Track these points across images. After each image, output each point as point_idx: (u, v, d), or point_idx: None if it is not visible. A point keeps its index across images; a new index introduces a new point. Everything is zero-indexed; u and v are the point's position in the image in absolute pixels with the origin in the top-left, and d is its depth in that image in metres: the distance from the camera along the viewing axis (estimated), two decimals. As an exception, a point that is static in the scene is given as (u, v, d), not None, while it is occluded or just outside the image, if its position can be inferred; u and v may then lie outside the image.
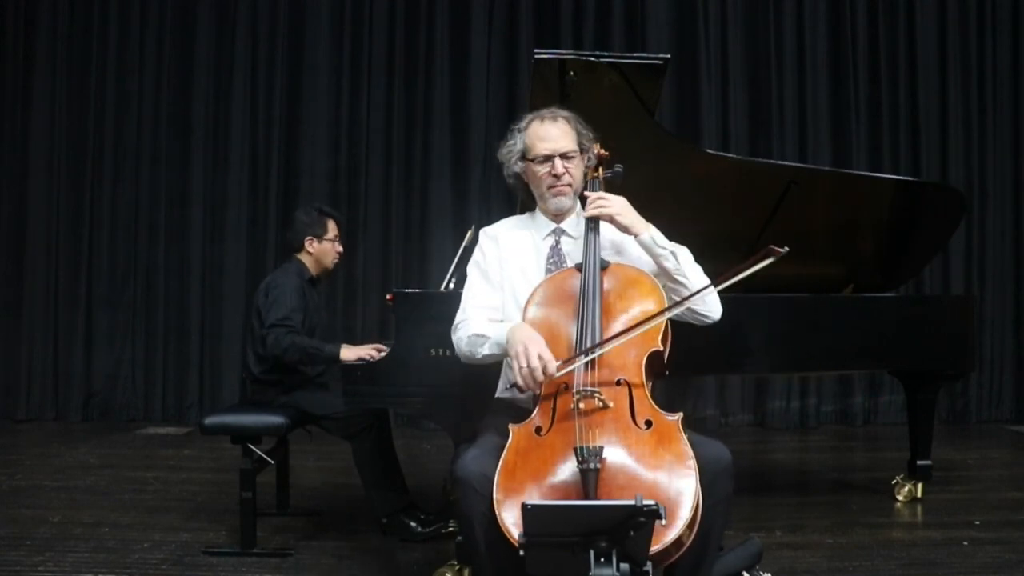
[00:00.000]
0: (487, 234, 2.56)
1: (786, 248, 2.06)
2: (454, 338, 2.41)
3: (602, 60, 3.20)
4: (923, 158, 6.39)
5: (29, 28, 6.42)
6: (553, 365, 2.08)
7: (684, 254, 2.33)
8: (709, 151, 4.15)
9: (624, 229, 2.32)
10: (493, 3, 6.35)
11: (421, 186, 6.36)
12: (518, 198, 3.18)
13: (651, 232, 2.31)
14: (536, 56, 3.11)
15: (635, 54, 3.68)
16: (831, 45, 6.41)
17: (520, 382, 2.10)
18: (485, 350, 2.29)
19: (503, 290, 2.46)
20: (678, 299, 2.26)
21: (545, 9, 6.37)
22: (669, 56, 3.27)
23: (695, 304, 2.28)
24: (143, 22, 6.39)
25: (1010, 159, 6.50)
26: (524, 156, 2.45)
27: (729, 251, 3.80)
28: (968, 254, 6.42)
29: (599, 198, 2.33)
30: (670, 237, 2.35)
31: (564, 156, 2.40)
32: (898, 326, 3.72)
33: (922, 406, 4.02)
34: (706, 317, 2.34)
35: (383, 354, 3.10)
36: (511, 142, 2.48)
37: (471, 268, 2.54)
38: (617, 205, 2.31)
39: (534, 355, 2.08)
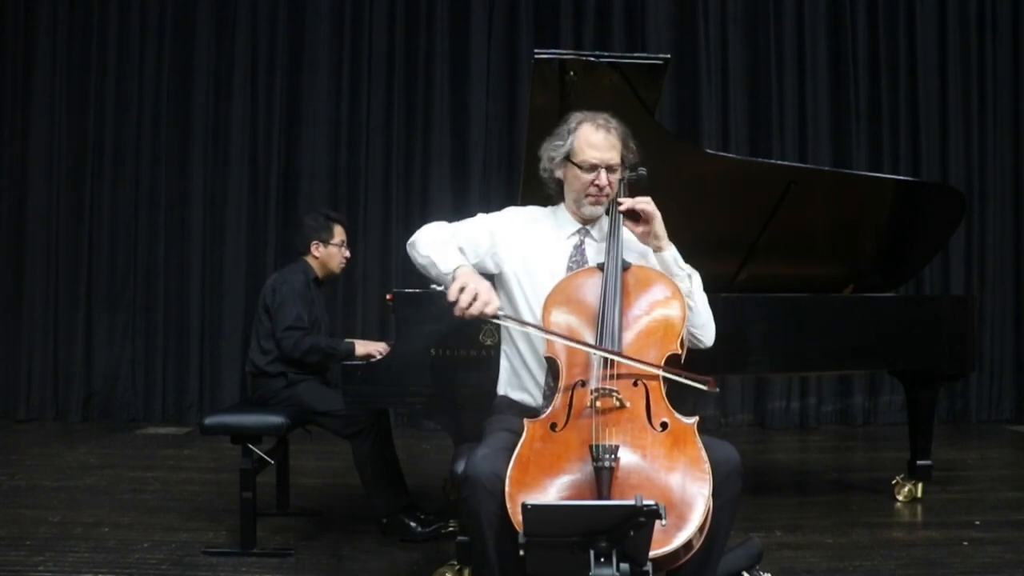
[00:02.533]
0: (517, 215, 2.55)
1: (717, 390, 2.17)
2: (424, 227, 2.44)
3: (602, 60, 3.19)
4: (923, 158, 6.39)
5: (29, 28, 6.42)
6: (491, 309, 2.14)
7: (696, 279, 2.35)
8: (709, 151, 4.15)
9: (655, 237, 2.32)
10: (493, 3, 6.35)
11: (421, 186, 6.36)
12: (518, 198, 3.19)
13: (673, 251, 2.34)
14: (536, 56, 3.10)
15: (635, 54, 3.68)
16: (831, 45, 6.41)
17: (454, 292, 2.15)
18: (433, 253, 2.32)
19: (511, 275, 2.44)
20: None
21: (545, 9, 6.37)
22: (669, 56, 3.27)
23: (694, 328, 2.33)
24: (143, 22, 6.39)
25: (1010, 159, 6.49)
26: (568, 157, 2.41)
27: (729, 251, 3.82)
28: (968, 254, 6.42)
29: (649, 211, 2.31)
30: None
31: (609, 168, 2.37)
32: (898, 326, 3.72)
33: (922, 406, 4.02)
34: (700, 342, 2.37)
35: (389, 351, 3.11)
36: (558, 141, 2.44)
37: (483, 218, 2.53)
38: (659, 215, 2.32)
39: (484, 291, 2.15)
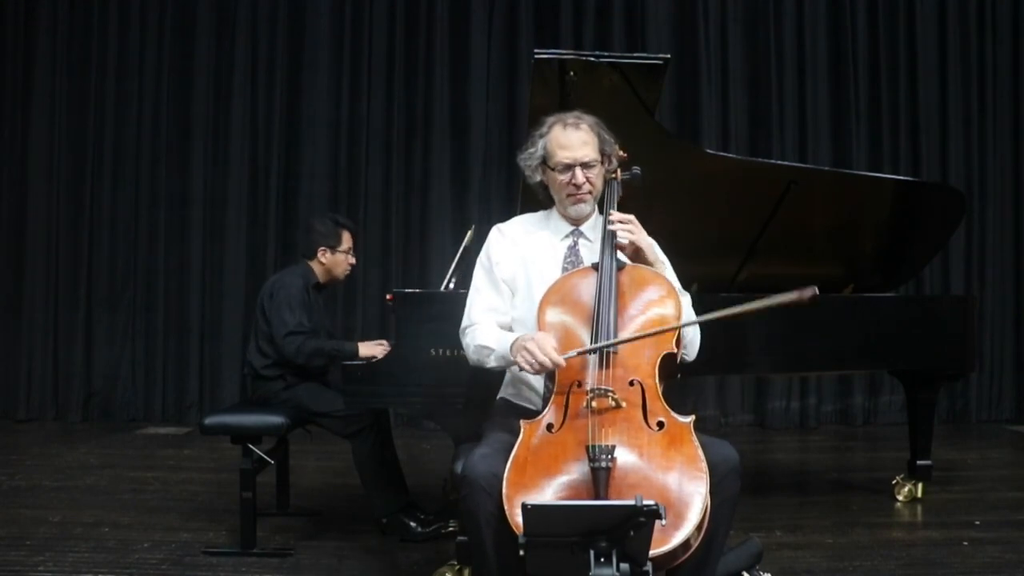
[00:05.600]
0: (503, 233, 2.53)
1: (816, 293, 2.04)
2: (463, 342, 2.44)
3: (602, 60, 3.19)
4: (923, 158, 6.39)
5: (29, 28, 6.42)
6: (549, 349, 2.09)
7: (686, 299, 2.34)
8: (709, 151, 4.15)
9: (647, 263, 2.30)
10: (493, 3, 6.35)
11: (421, 186, 6.36)
12: (519, 197, 3.19)
13: (667, 274, 2.33)
14: (536, 56, 3.10)
15: (635, 54, 3.68)
16: (831, 45, 6.41)
17: (528, 368, 2.12)
18: (491, 362, 2.34)
19: (518, 290, 2.44)
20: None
21: (545, 9, 6.37)
22: (669, 56, 3.27)
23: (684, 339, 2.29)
24: (143, 22, 6.39)
25: (1010, 159, 6.49)
26: (544, 162, 2.42)
27: (729, 251, 3.83)
28: (968, 254, 6.42)
29: (630, 223, 2.28)
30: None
31: (585, 165, 2.37)
32: (898, 326, 3.72)
33: (922, 406, 4.02)
34: (685, 356, 2.33)
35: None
36: (531, 149, 2.44)
37: (477, 268, 2.52)
38: (643, 242, 2.29)
39: (538, 352, 2.09)
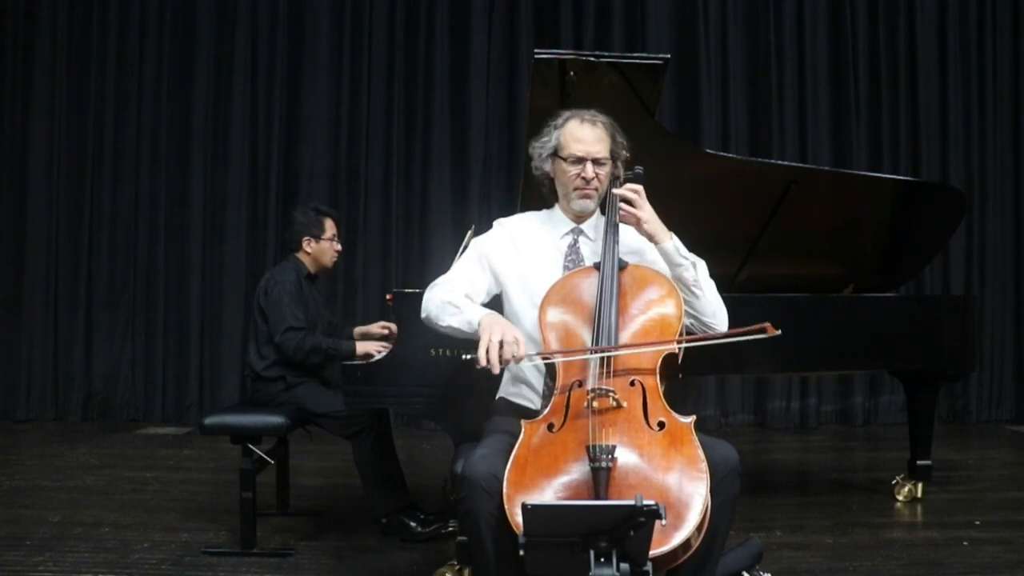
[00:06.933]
0: (504, 227, 2.55)
1: (779, 332, 2.07)
2: (427, 295, 2.38)
3: (602, 60, 3.20)
4: (923, 158, 6.39)
5: (29, 27, 6.42)
6: (522, 349, 2.10)
7: (702, 266, 2.34)
8: (709, 151, 4.15)
9: (648, 237, 2.31)
10: (493, 3, 6.35)
11: (421, 186, 6.36)
12: (519, 197, 3.19)
13: (675, 242, 2.32)
14: (536, 56, 3.11)
15: (635, 54, 3.68)
16: (831, 45, 6.41)
17: (482, 355, 2.08)
18: (453, 321, 2.28)
19: (510, 285, 2.45)
20: (690, 311, 2.30)
21: (545, 9, 6.37)
22: (669, 56, 3.27)
23: (705, 317, 2.32)
24: (143, 22, 6.39)
25: (1010, 159, 6.49)
26: (556, 152, 2.43)
27: (729, 251, 3.82)
28: (968, 254, 6.42)
29: (630, 197, 2.30)
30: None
31: (596, 161, 2.39)
32: (898, 326, 3.72)
33: (922, 406, 4.02)
34: (714, 329, 2.34)
35: (389, 349, 3.11)
36: (545, 138, 2.46)
37: (472, 246, 2.53)
38: (646, 212, 2.31)
39: (509, 334, 2.10)
